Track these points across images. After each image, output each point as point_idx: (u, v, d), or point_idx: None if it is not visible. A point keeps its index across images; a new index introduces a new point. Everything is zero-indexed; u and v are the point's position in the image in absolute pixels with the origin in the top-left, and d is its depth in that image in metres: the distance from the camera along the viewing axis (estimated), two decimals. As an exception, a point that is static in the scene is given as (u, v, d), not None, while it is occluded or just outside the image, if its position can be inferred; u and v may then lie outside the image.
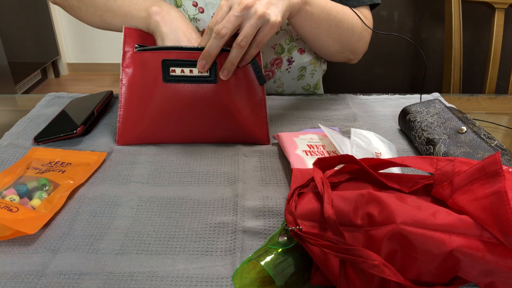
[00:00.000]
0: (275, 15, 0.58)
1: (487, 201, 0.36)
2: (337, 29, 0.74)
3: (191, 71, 0.61)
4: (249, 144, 0.67)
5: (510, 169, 0.45)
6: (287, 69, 0.87)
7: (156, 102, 0.63)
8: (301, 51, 0.86)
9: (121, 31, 0.67)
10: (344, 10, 0.75)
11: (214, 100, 0.62)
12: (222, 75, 0.61)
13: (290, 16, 0.66)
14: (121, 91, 0.65)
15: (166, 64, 0.62)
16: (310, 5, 0.67)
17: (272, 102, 0.82)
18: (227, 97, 0.63)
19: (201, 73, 0.61)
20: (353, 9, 0.77)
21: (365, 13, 0.82)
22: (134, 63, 0.65)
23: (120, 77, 0.65)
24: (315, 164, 0.46)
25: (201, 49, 0.61)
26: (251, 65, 0.63)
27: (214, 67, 0.61)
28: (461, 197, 0.40)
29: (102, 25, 0.76)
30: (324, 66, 0.97)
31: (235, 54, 0.59)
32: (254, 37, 0.59)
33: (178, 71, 0.62)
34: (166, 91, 0.62)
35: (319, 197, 0.43)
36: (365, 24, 0.78)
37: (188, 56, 0.62)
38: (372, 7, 0.84)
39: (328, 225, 0.39)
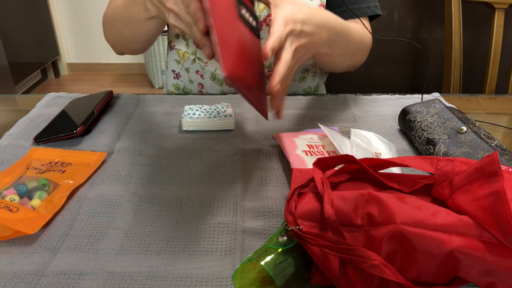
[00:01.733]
0: (303, 60, 0.58)
1: (486, 201, 0.36)
2: (350, 56, 0.78)
3: (253, 20, 0.53)
4: (249, 143, 0.67)
5: (510, 169, 0.45)
6: None
7: (238, 33, 0.48)
8: None
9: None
10: (356, 33, 0.75)
11: (258, 56, 0.53)
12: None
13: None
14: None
15: (239, 0, 0.51)
16: (330, 47, 0.67)
17: (272, 102, 0.82)
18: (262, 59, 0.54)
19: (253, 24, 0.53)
20: (361, 20, 0.79)
21: (365, 24, 0.83)
22: None
23: None
24: (315, 164, 0.46)
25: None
26: None
27: (257, 22, 0.54)
28: (461, 197, 0.40)
29: (143, 45, 0.80)
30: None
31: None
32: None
33: (246, 15, 0.52)
34: (239, 28, 0.49)
35: (319, 197, 0.43)
36: (372, 33, 0.80)
37: (251, 5, 0.53)
38: (372, 18, 0.86)
39: (328, 225, 0.39)
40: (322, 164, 0.47)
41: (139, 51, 0.84)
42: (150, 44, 0.82)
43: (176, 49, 0.88)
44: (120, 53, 0.85)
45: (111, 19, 0.78)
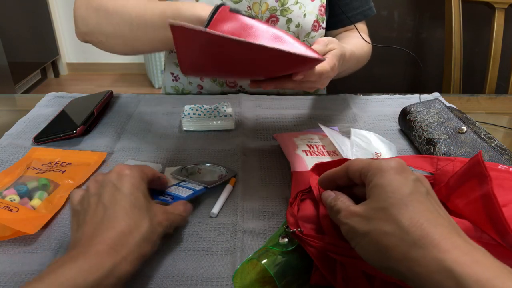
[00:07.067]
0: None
1: (479, 204, 0.36)
2: (354, 70, 0.83)
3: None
4: (249, 143, 0.67)
5: (510, 169, 0.45)
6: None
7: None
8: None
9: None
10: (361, 55, 0.79)
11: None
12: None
13: None
14: None
15: None
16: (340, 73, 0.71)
17: (272, 102, 0.82)
18: None
19: None
20: (357, 28, 0.81)
21: (361, 27, 0.87)
22: None
23: None
24: (312, 170, 0.46)
25: None
26: None
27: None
28: (457, 200, 0.40)
29: (131, 53, 0.71)
30: None
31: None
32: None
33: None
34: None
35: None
36: (369, 42, 0.83)
37: None
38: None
39: (323, 227, 0.39)
40: (319, 169, 0.47)
41: (122, 52, 0.72)
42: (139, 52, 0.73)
43: (175, 52, 0.87)
44: (86, 41, 0.71)
45: (112, 14, 0.64)
